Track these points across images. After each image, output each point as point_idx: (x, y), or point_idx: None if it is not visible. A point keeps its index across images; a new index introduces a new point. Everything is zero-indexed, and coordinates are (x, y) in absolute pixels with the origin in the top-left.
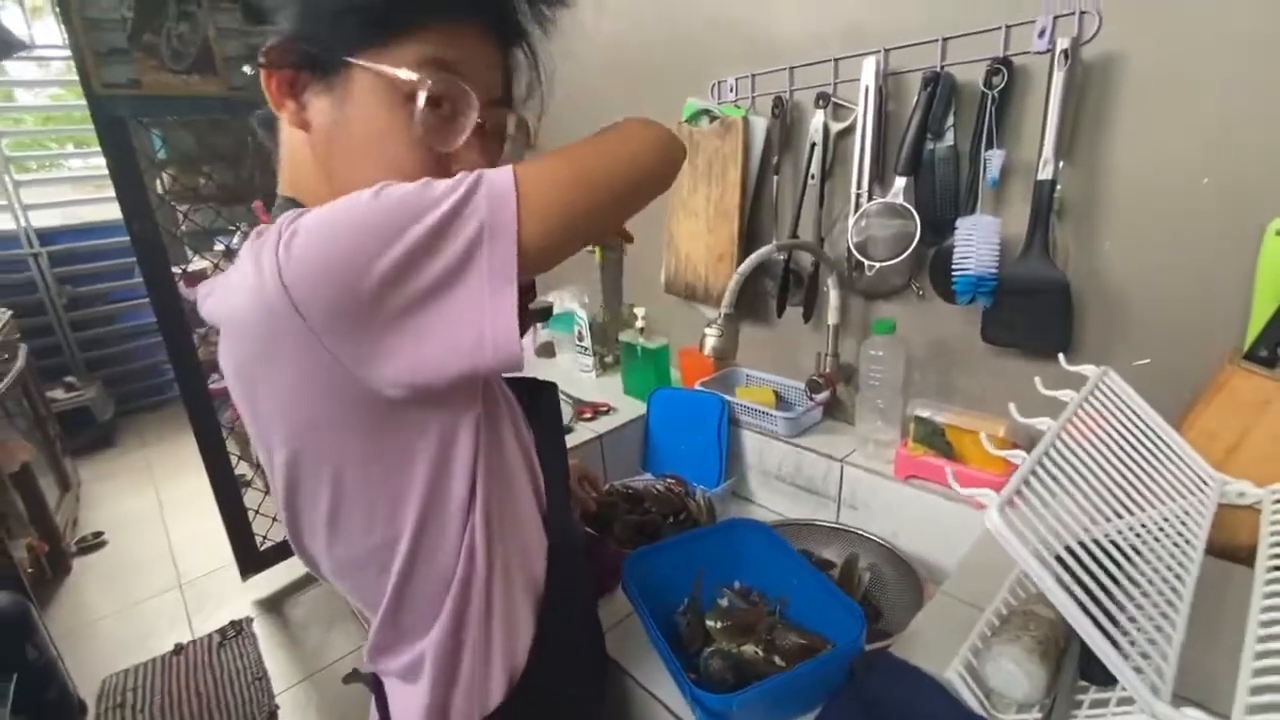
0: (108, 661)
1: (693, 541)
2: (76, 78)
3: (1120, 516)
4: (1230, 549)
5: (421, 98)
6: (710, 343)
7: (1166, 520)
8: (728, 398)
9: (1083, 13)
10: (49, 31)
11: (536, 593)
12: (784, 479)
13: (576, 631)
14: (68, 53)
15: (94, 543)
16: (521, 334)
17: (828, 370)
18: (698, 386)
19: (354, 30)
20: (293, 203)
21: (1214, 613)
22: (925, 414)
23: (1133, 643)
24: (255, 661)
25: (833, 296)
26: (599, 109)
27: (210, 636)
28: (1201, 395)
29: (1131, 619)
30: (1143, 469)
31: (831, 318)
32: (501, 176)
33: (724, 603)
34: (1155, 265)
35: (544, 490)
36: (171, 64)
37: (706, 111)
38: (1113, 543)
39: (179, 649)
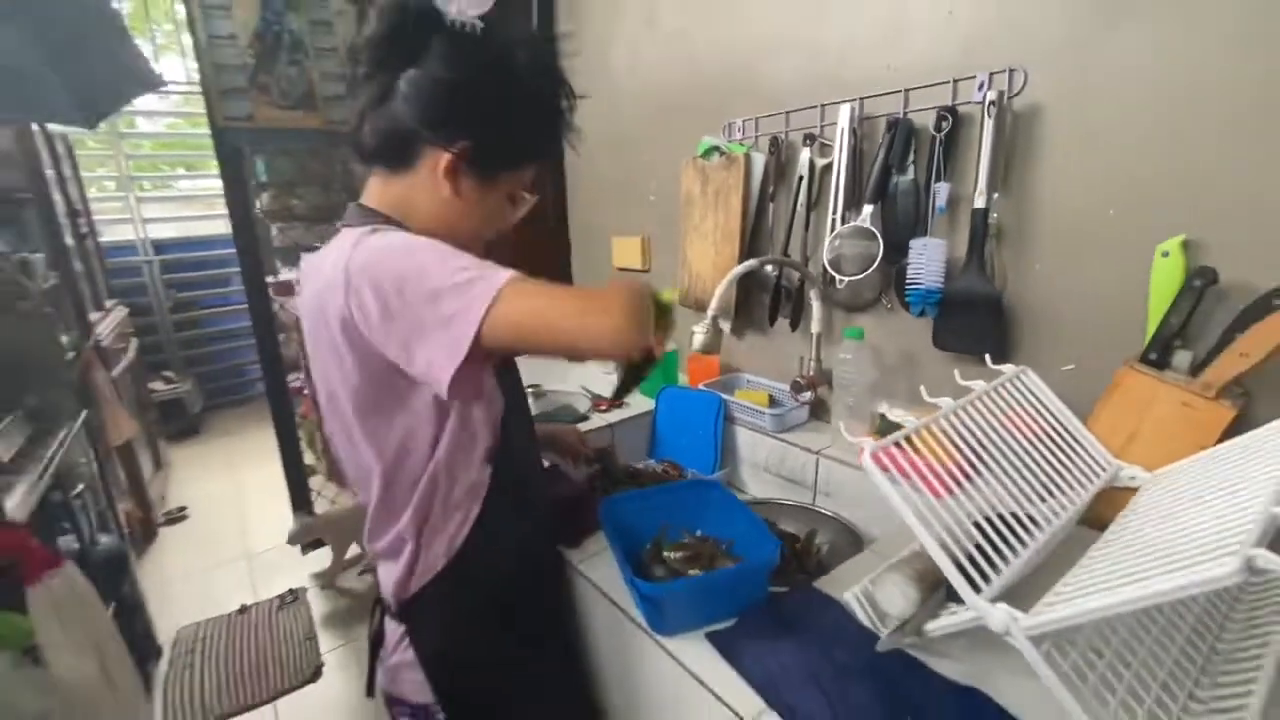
0: (182, 616)
1: (661, 494)
2: (189, 108)
3: (1038, 494)
4: (1102, 522)
5: (521, 203)
6: (697, 339)
7: (1055, 497)
8: (725, 396)
9: (1011, 70)
10: (172, 67)
11: (478, 498)
12: (770, 470)
13: (513, 531)
14: (187, 87)
15: (177, 516)
16: None
17: (810, 374)
18: (701, 387)
19: (509, 163)
20: (373, 213)
21: (1060, 561)
22: (884, 411)
23: (977, 568)
24: (307, 624)
25: (815, 308)
26: (630, 143)
27: (270, 601)
28: (1103, 394)
29: (988, 559)
30: (1053, 454)
31: (814, 327)
32: (495, 281)
33: (683, 539)
34: (1076, 283)
35: (498, 432)
36: (280, 101)
37: (717, 148)
38: (1011, 513)
39: (244, 609)
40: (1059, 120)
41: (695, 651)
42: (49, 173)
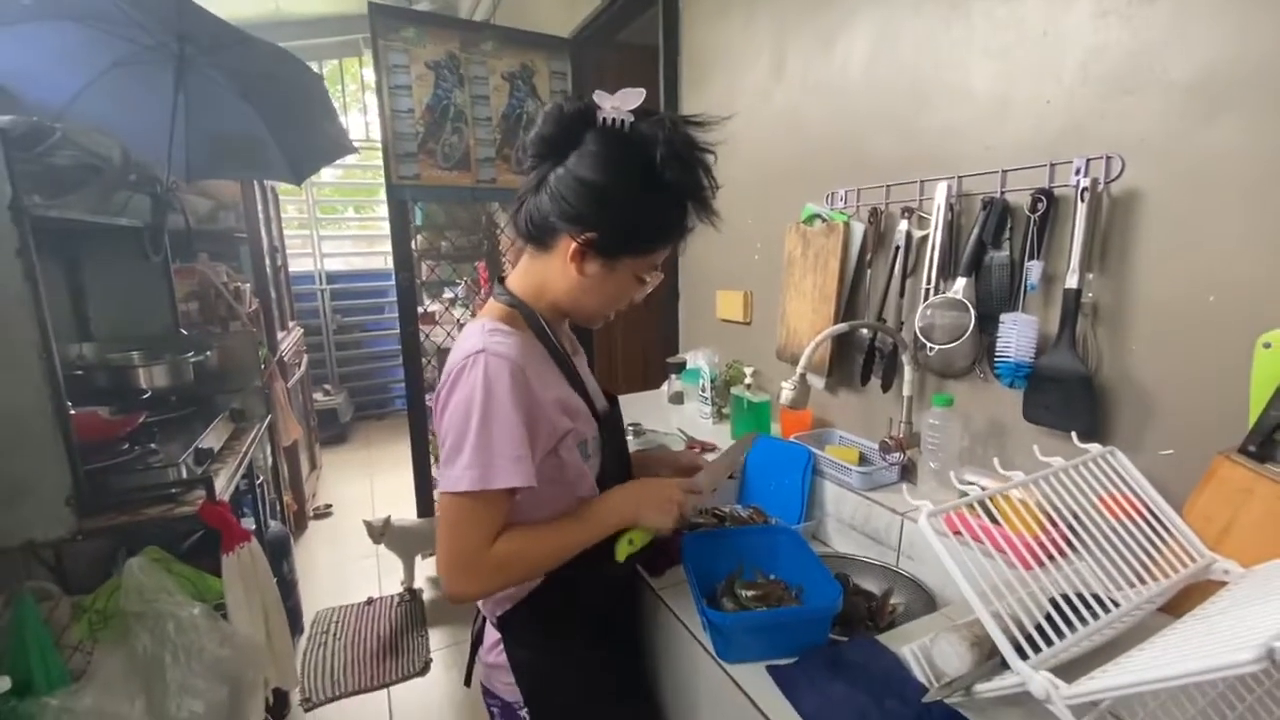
0: (321, 600)
1: (739, 535)
2: (360, 160)
3: (1129, 579)
4: (1182, 612)
5: (648, 283)
6: (785, 394)
7: (1146, 583)
8: (814, 450)
9: (1108, 157)
10: (354, 122)
11: None
12: (855, 527)
13: (602, 561)
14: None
15: (324, 512)
16: (659, 384)
17: (900, 435)
18: (793, 439)
19: (632, 247)
20: (508, 293)
21: (1133, 645)
22: (971, 479)
23: (1030, 640)
24: (421, 621)
25: (907, 371)
26: (740, 204)
27: (392, 596)
28: (1199, 483)
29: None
30: (1145, 539)
31: (906, 390)
32: (456, 482)
33: (755, 579)
34: (1174, 368)
35: (594, 485)
36: (443, 164)
37: (819, 215)
38: (1094, 595)
39: (370, 601)
40: (1157, 207)
41: (755, 680)
42: (260, 215)
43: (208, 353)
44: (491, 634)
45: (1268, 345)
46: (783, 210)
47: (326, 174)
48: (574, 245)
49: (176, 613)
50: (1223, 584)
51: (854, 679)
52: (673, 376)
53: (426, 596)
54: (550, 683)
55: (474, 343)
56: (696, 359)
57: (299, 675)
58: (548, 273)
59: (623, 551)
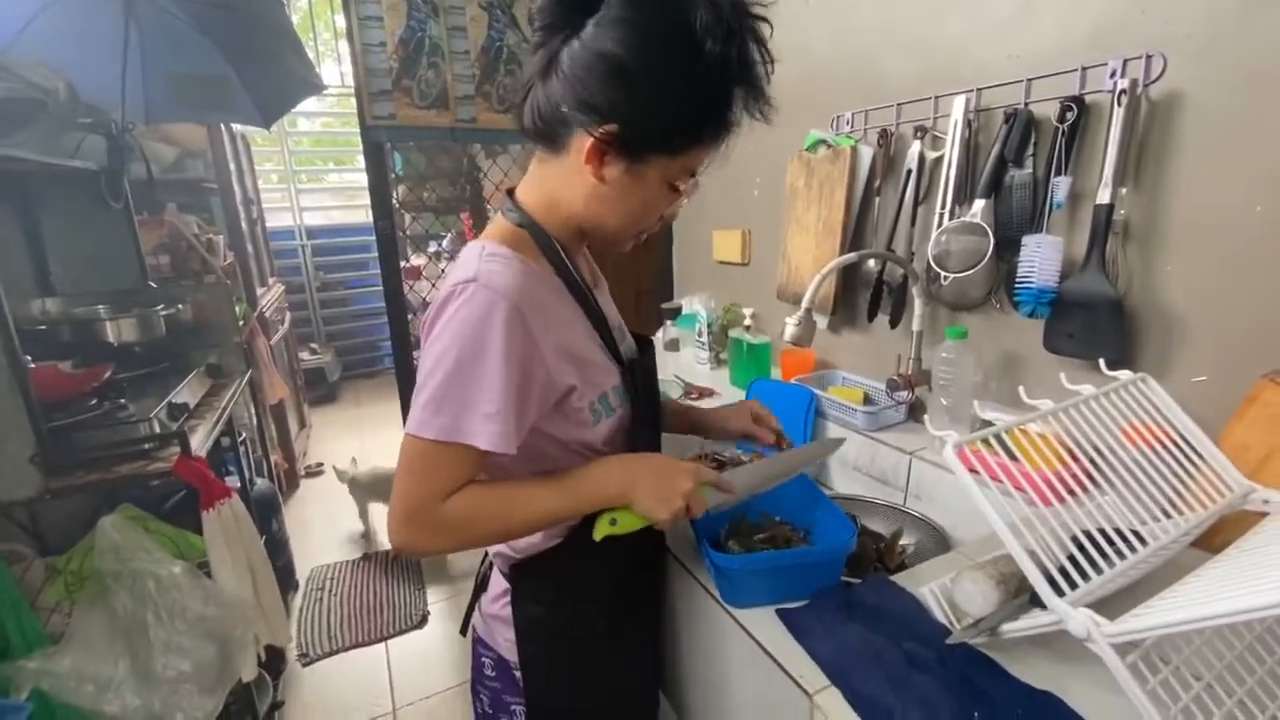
0: (315, 557)
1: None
2: (340, 108)
3: (1157, 512)
4: (1220, 547)
5: (683, 193)
6: (789, 331)
7: (1175, 516)
8: (817, 391)
9: (1149, 56)
10: (329, 72)
11: None
12: (860, 469)
13: None
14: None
15: (315, 470)
16: (654, 330)
17: (909, 372)
18: (794, 381)
19: (663, 143)
20: (518, 209)
21: (1171, 581)
22: (986, 415)
23: (1067, 576)
24: (418, 576)
25: (917, 305)
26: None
27: (388, 551)
28: (1238, 409)
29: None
30: (1176, 470)
31: (915, 324)
32: (421, 428)
33: (761, 522)
34: (1214, 287)
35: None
36: (419, 102)
37: (824, 141)
38: (1120, 529)
39: (366, 556)
40: (1201, 110)
41: (764, 626)
42: (231, 165)
43: (180, 306)
44: (499, 582)
45: None
46: (785, 141)
47: (304, 125)
48: (590, 141)
49: (156, 571)
50: (1263, 515)
51: (870, 621)
52: (668, 323)
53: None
54: (555, 644)
55: (467, 269)
56: (693, 304)
57: (292, 632)
58: (560, 180)
59: (601, 530)
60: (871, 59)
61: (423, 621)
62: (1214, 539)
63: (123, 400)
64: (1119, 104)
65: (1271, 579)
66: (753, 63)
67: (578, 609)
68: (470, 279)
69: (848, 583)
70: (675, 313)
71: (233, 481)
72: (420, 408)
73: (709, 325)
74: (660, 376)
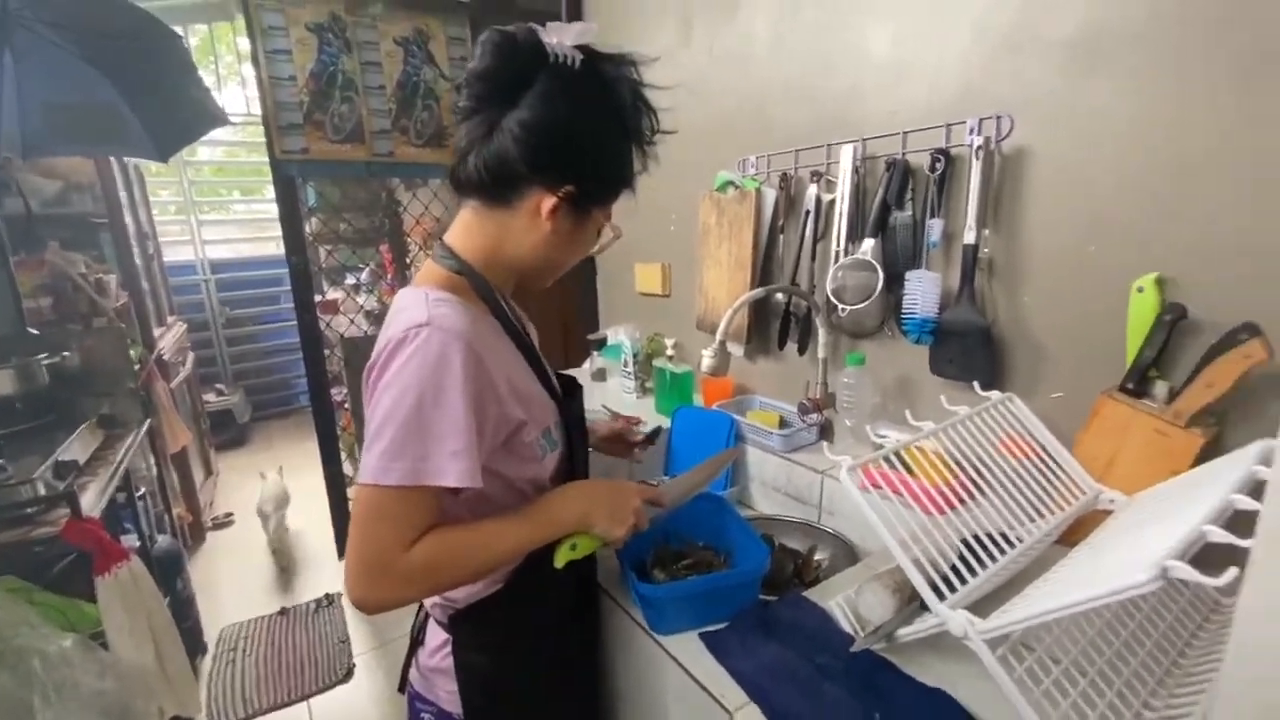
0: (226, 616)
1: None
2: (245, 137)
3: (1027, 515)
4: (1078, 543)
5: (606, 233)
6: (706, 362)
7: (1043, 518)
8: (736, 417)
9: (999, 116)
10: (232, 97)
11: None
12: (779, 489)
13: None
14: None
15: (224, 521)
16: (581, 361)
17: (817, 396)
18: (715, 407)
19: (604, 198)
20: (453, 256)
21: (1036, 577)
22: (885, 433)
23: (946, 580)
24: (341, 628)
25: (821, 334)
26: (652, 175)
27: (308, 604)
28: (1086, 422)
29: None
30: (1041, 478)
31: (820, 351)
32: (378, 475)
33: (684, 548)
34: (1061, 315)
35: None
36: (333, 136)
37: (732, 182)
38: (998, 533)
39: (284, 611)
40: (1043, 163)
41: (689, 649)
42: (122, 195)
43: (65, 353)
44: (437, 634)
45: (1140, 289)
46: (696, 180)
47: (205, 153)
48: (551, 200)
49: (43, 648)
50: (1109, 513)
51: (785, 637)
52: (594, 353)
53: (346, 600)
54: (499, 694)
55: (416, 314)
56: (618, 334)
57: (201, 699)
58: (506, 231)
59: (563, 557)
60: (771, 106)
61: (348, 675)
62: (1074, 536)
63: (0, 461)
64: (976, 157)
65: (1108, 570)
66: (650, 128)
67: (521, 654)
68: (423, 323)
69: (765, 601)
70: (601, 343)
71: (131, 541)
72: (378, 455)
73: (634, 355)
74: (588, 406)
